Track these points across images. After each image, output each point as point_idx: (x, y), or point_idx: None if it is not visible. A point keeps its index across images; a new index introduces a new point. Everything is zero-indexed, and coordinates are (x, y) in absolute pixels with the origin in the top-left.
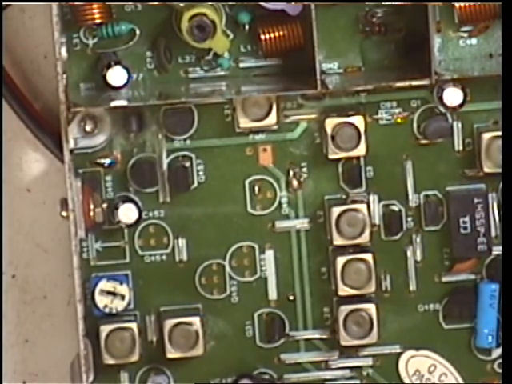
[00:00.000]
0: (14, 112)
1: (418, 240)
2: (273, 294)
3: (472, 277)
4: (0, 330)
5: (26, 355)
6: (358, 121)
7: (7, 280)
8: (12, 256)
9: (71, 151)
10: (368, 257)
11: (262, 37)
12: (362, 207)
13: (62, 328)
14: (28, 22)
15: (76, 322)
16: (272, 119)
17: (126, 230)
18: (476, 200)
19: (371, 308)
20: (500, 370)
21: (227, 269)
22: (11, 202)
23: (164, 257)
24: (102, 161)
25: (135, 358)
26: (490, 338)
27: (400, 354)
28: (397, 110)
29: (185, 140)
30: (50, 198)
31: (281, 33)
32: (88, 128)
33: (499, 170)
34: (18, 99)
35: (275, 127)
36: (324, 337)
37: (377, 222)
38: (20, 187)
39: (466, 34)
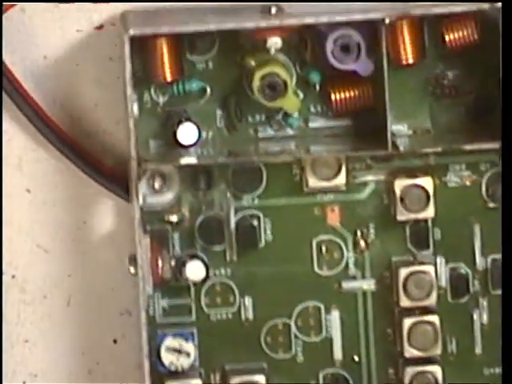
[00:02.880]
0: (18, 107)
1: (485, 303)
2: (338, 354)
3: None
4: (0, 330)
5: (26, 355)
6: (427, 183)
7: (7, 280)
8: (12, 256)
9: (141, 208)
10: (434, 319)
11: (333, 97)
12: (430, 269)
13: (62, 328)
14: (28, 22)
15: (142, 377)
16: (341, 179)
17: (192, 288)
18: None
19: (437, 370)
20: None
21: (293, 328)
22: (11, 201)
23: (230, 315)
24: (171, 218)
25: None
26: None
27: None
28: (466, 173)
29: (253, 199)
30: (50, 198)
31: (351, 93)
32: (157, 185)
33: None
34: (17, 99)
35: (343, 188)
36: None
37: (443, 284)
38: (20, 187)
39: None
